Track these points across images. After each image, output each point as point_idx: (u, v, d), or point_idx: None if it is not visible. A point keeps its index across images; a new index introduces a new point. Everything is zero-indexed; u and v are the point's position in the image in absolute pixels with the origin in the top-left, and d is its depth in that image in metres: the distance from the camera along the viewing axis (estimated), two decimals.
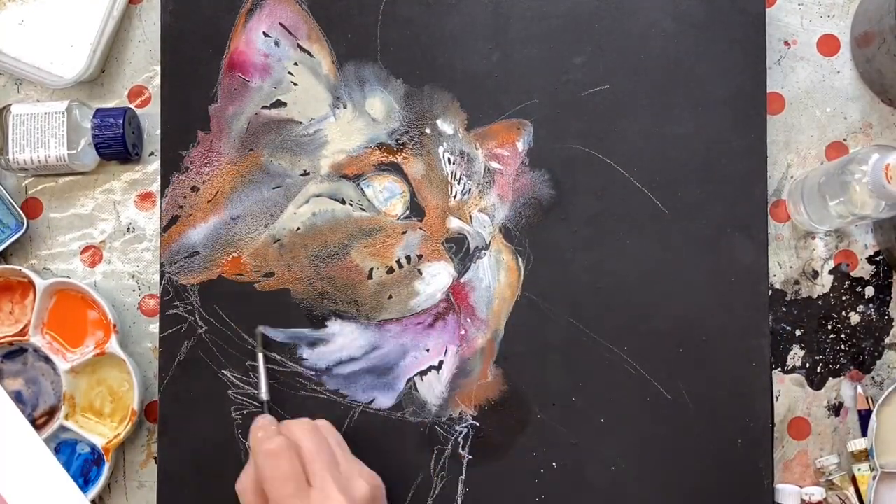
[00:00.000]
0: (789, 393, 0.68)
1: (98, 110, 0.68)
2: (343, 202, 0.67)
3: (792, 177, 0.69)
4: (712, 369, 0.66)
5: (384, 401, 0.67)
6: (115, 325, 0.66)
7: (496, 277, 0.67)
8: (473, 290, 0.67)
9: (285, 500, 0.56)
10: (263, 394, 0.65)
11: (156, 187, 0.70)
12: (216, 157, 0.68)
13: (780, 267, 0.69)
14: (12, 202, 0.68)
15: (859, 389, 0.67)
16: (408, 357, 0.67)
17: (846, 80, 0.69)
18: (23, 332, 0.67)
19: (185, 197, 0.68)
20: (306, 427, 0.60)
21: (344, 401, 0.66)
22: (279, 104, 0.68)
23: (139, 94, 0.71)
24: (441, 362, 0.67)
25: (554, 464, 0.66)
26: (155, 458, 0.68)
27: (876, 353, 0.68)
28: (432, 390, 0.67)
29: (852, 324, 0.68)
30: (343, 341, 0.67)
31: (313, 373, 0.67)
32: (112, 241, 0.70)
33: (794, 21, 0.70)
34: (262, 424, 0.60)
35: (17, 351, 0.68)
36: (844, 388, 0.68)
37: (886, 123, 0.69)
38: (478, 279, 0.67)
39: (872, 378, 0.68)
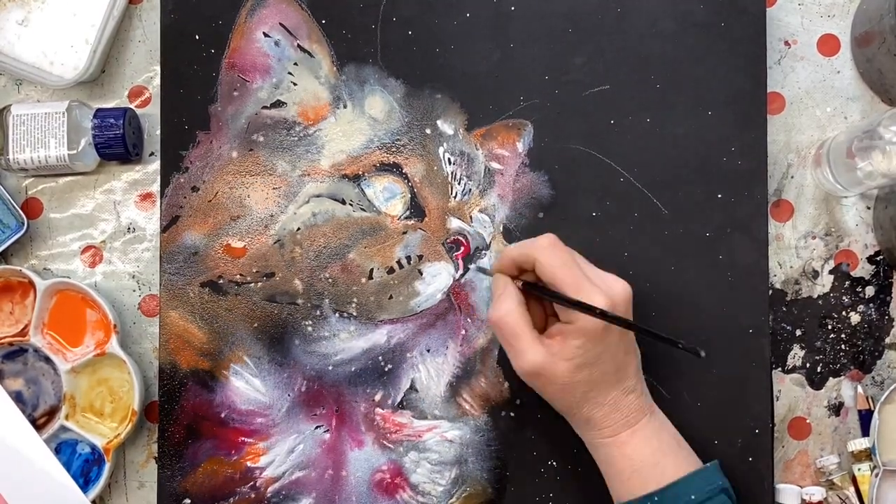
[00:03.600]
0: (789, 393, 0.68)
1: (98, 110, 0.68)
2: (343, 202, 0.67)
3: (821, 144, 0.69)
4: (712, 369, 0.66)
5: (385, 401, 0.67)
6: (115, 325, 0.66)
7: None
8: (474, 290, 0.67)
9: (580, 282, 0.57)
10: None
11: (156, 187, 0.70)
12: (216, 157, 0.68)
13: (781, 267, 0.69)
14: (12, 202, 0.68)
15: (859, 389, 0.67)
16: (408, 357, 0.67)
17: (846, 79, 0.69)
18: (23, 333, 0.67)
19: (185, 197, 0.68)
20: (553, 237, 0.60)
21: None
22: (279, 104, 0.68)
23: (139, 94, 0.71)
24: (441, 362, 0.67)
25: (554, 463, 0.66)
26: (155, 457, 0.68)
27: (876, 353, 0.68)
28: (432, 390, 0.67)
29: (852, 324, 0.68)
30: (343, 341, 0.67)
31: (313, 372, 0.67)
32: (112, 241, 0.70)
33: (794, 21, 0.70)
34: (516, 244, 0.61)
35: (17, 351, 0.68)
36: (845, 388, 0.68)
37: None
38: (478, 279, 0.67)
39: (873, 378, 0.68)
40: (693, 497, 0.58)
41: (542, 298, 0.61)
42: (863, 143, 0.62)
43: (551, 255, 0.58)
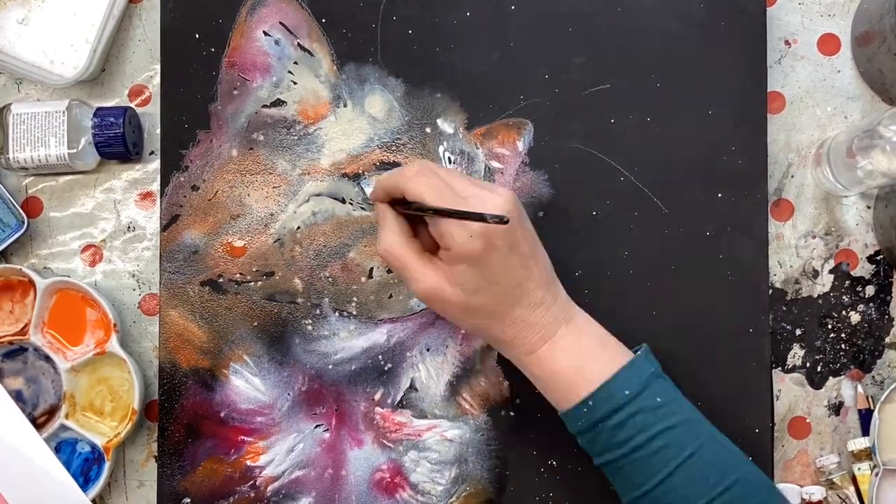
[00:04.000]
0: (789, 392, 0.68)
1: (98, 109, 0.68)
2: (343, 201, 0.67)
3: (822, 143, 0.69)
4: (712, 369, 0.66)
5: (384, 400, 0.67)
6: (115, 325, 0.66)
7: None
8: None
9: (449, 206, 0.54)
10: None
11: (156, 186, 0.70)
12: (216, 155, 0.68)
13: (781, 266, 0.69)
14: (12, 201, 0.68)
15: (859, 388, 0.67)
16: (408, 356, 0.67)
17: (847, 79, 0.69)
18: (23, 332, 0.67)
19: (185, 196, 0.68)
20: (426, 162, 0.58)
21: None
22: (279, 103, 0.68)
23: (139, 93, 0.71)
24: (441, 361, 0.67)
25: (554, 463, 0.66)
26: (155, 456, 0.68)
27: (876, 353, 0.68)
28: (432, 389, 0.67)
29: (853, 323, 0.68)
30: (343, 340, 0.67)
31: (313, 371, 0.67)
32: (112, 240, 0.70)
33: (794, 20, 0.70)
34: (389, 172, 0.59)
35: (17, 350, 0.68)
36: (845, 388, 0.68)
37: None
38: None
39: (873, 377, 0.68)
40: (627, 392, 0.56)
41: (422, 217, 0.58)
42: (863, 142, 0.62)
43: (417, 184, 0.56)
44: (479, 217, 0.53)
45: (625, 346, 0.59)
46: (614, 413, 0.56)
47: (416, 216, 0.58)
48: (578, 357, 0.58)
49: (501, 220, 0.52)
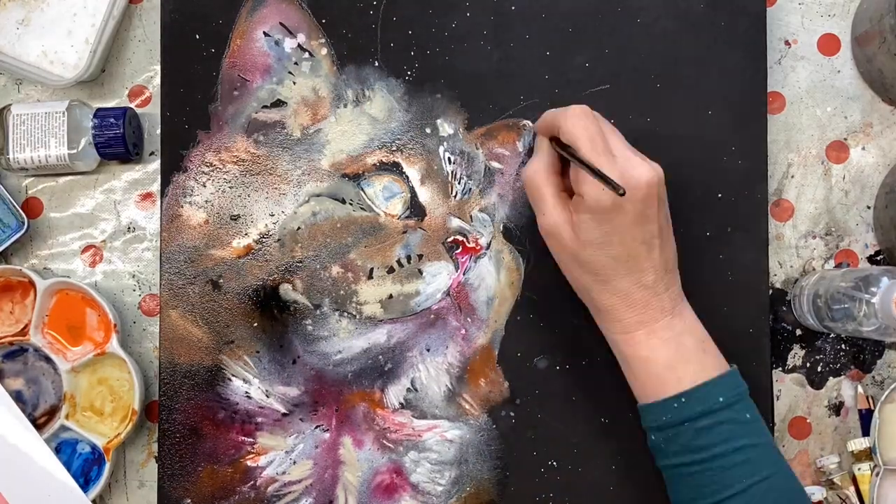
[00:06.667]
0: (790, 392, 0.68)
1: (98, 110, 0.68)
2: (343, 202, 0.67)
3: (802, 278, 0.69)
4: None
5: (384, 401, 0.67)
6: (115, 325, 0.66)
7: (496, 277, 0.67)
8: (474, 289, 0.67)
9: (595, 156, 0.56)
10: None
11: (156, 187, 0.70)
12: (216, 156, 0.68)
13: (781, 266, 0.69)
14: (13, 202, 0.68)
15: (860, 389, 0.67)
16: (408, 356, 0.67)
17: (847, 79, 0.69)
18: (23, 332, 0.67)
19: (185, 196, 0.68)
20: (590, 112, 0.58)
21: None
22: (279, 104, 0.68)
23: (139, 93, 0.71)
24: (441, 361, 0.67)
25: (554, 463, 0.66)
26: (155, 457, 0.68)
27: (876, 353, 0.68)
28: (432, 390, 0.67)
29: None
30: (343, 340, 0.67)
31: (313, 371, 0.67)
32: (112, 240, 0.70)
33: (794, 20, 0.70)
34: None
35: (17, 350, 0.68)
36: (845, 388, 0.68)
37: (887, 123, 0.69)
38: (478, 279, 0.67)
39: (873, 377, 0.68)
40: (721, 399, 0.56)
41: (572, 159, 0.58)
42: (840, 295, 0.62)
43: (574, 126, 0.57)
44: (603, 177, 0.54)
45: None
46: (704, 416, 0.56)
47: (566, 156, 0.59)
48: (676, 353, 0.58)
49: (618, 191, 0.53)
